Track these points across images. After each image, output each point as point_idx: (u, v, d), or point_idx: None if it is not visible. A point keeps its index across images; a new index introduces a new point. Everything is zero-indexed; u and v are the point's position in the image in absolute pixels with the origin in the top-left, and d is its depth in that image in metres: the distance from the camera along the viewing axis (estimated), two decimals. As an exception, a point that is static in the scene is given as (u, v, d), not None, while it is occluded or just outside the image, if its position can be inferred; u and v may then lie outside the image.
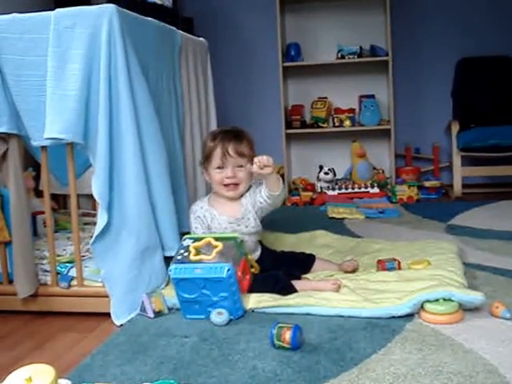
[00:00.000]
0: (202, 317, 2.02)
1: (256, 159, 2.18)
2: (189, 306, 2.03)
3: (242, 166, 2.30)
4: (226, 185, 2.31)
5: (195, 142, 2.90)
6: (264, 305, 2.06)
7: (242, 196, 2.36)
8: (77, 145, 2.14)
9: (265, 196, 2.31)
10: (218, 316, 1.95)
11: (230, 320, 1.95)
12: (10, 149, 2.19)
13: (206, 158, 2.34)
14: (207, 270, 1.98)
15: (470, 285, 2.14)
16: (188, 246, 2.08)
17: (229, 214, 2.34)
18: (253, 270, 2.24)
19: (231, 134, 2.33)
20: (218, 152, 2.28)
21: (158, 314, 2.08)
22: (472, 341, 1.73)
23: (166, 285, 2.28)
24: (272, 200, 2.32)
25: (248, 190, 2.37)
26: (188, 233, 2.32)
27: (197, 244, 2.07)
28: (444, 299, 1.92)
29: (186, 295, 2.01)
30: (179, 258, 2.06)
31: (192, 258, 2.02)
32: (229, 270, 1.96)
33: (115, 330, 2.03)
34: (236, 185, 2.31)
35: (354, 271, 2.40)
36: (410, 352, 1.68)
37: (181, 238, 2.22)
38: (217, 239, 2.07)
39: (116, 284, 2.17)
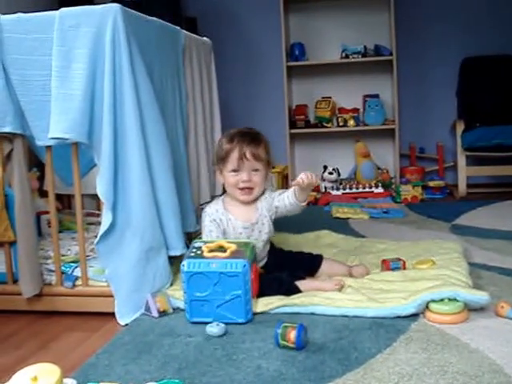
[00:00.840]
0: (210, 320, 1.96)
1: (304, 176, 2.16)
2: (196, 307, 1.99)
3: (257, 170, 2.24)
4: (240, 188, 2.25)
5: (199, 142, 2.90)
6: (271, 307, 2.06)
7: (256, 200, 2.32)
8: (81, 144, 2.14)
9: (288, 202, 2.28)
10: (215, 326, 1.89)
11: (226, 332, 1.89)
12: (14, 149, 2.19)
13: (222, 159, 2.26)
14: (223, 264, 1.96)
15: (475, 285, 2.13)
16: (200, 247, 2.06)
17: (244, 218, 2.29)
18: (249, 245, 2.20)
19: (249, 136, 2.26)
20: (234, 155, 2.22)
21: (162, 313, 2.08)
22: (477, 341, 1.73)
23: (171, 285, 2.28)
24: (293, 207, 2.30)
25: (262, 193, 2.33)
26: (194, 233, 2.31)
27: (209, 245, 2.05)
28: (449, 299, 1.91)
29: (197, 293, 1.98)
30: (192, 254, 2.03)
31: (206, 254, 2.01)
32: (245, 265, 1.96)
33: (120, 330, 2.03)
34: (251, 189, 2.25)
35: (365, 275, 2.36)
36: (415, 352, 1.68)
37: (185, 238, 2.22)
38: (229, 243, 2.07)
39: (120, 284, 2.17)
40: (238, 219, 2.28)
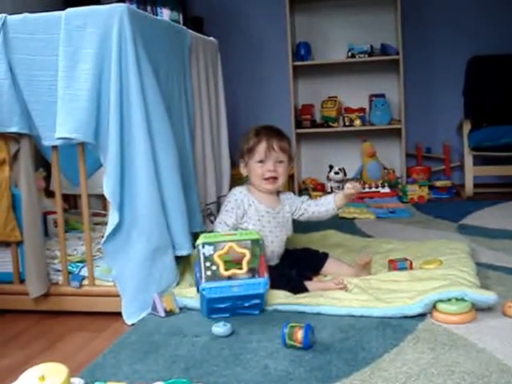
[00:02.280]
0: (227, 315, 2.03)
1: (351, 186, 2.38)
2: (215, 311, 2.03)
3: (282, 162, 2.39)
4: (266, 178, 2.37)
5: (206, 142, 2.90)
6: (276, 301, 2.07)
7: (279, 193, 2.48)
8: (88, 145, 2.14)
9: (324, 209, 2.46)
10: (222, 326, 1.89)
11: (232, 332, 1.90)
12: (21, 149, 2.20)
13: (248, 151, 2.40)
14: (244, 287, 1.98)
15: (483, 285, 2.13)
16: (211, 256, 2.01)
17: (267, 203, 2.40)
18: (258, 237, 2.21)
19: (274, 130, 2.43)
20: (262, 146, 2.36)
21: (168, 313, 2.08)
22: (485, 340, 1.72)
23: (177, 284, 2.28)
24: (326, 214, 2.48)
25: (286, 192, 2.53)
26: (200, 233, 2.30)
27: (220, 252, 2.01)
28: (456, 299, 1.91)
29: (218, 305, 2.01)
30: (209, 273, 2.00)
31: (224, 273, 1.98)
32: (265, 284, 1.99)
33: (127, 330, 2.03)
34: (275, 178, 2.38)
35: (368, 264, 2.38)
36: (422, 352, 1.67)
37: (192, 238, 2.21)
38: (237, 241, 2.05)
39: (127, 284, 2.17)
40: (262, 202, 2.39)
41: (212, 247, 2.03)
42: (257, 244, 2.07)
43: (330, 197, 2.48)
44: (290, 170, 2.44)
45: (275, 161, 2.37)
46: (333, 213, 2.48)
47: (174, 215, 2.27)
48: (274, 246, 2.37)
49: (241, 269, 1.99)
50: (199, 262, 2.03)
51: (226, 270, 1.99)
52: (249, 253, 2.01)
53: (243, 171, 2.47)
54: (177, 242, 2.30)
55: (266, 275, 2.02)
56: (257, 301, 2.00)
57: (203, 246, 2.03)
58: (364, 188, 4.47)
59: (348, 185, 2.40)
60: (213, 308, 2.01)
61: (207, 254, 2.02)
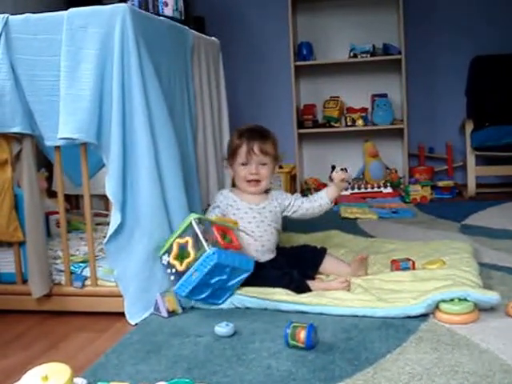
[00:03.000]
0: (228, 294, 2.11)
1: (342, 173, 2.39)
2: (212, 298, 2.08)
3: (265, 164, 2.38)
4: (248, 181, 2.38)
5: (208, 142, 2.90)
6: (278, 298, 2.08)
7: (267, 192, 2.46)
8: (90, 145, 2.14)
9: (317, 204, 2.44)
10: (224, 326, 1.89)
11: (235, 332, 1.90)
12: (23, 149, 2.20)
13: (232, 153, 2.42)
14: (200, 268, 1.98)
15: (485, 285, 2.13)
16: (169, 262, 2.08)
17: (250, 201, 2.41)
18: (232, 225, 2.26)
19: (257, 132, 2.42)
20: (243, 149, 2.37)
21: (171, 313, 2.08)
22: (488, 341, 1.72)
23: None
24: (320, 210, 2.46)
25: (274, 189, 2.51)
26: None
27: (173, 254, 2.07)
28: (459, 299, 1.90)
29: (201, 296, 2.05)
30: (172, 278, 2.08)
31: (180, 269, 2.03)
32: (214, 253, 1.97)
33: (129, 330, 2.03)
34: (258, 181, 2.39)
35: (365, 260, 2.38)
36: (425, 352, 1.67)
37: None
38: (178, 236, 2.10)
39: (129, 284, 2.17)
40: (244, 200, 2.40)
41: (166, 255, 2.11)
42: (196, 222, 2.08)
43: (322, 191, 2.48)
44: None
45: (257, 163, 2.37)
46: (327, 207, 2.47)
47: (177, 215, 2.27)
48: (264, 239, 2.37)
49: (189, 255, 2.02)
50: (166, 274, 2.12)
51: (181, 264, 2.03)
52: (191, 238, 2.03)
53: (230, 172, 2.51)
54: None
55: (215, 246, 2.02)
56: (227, 269, 2.01)
57: (162, 258, 2.13)
58: (365, 188, 4.48)
59: (334, 173, 2.41)
60: (204, 299, 2.07)
61: (166, 263, 2.10)
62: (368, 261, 2.43)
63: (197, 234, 2.05)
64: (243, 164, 2.38)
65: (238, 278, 2.09)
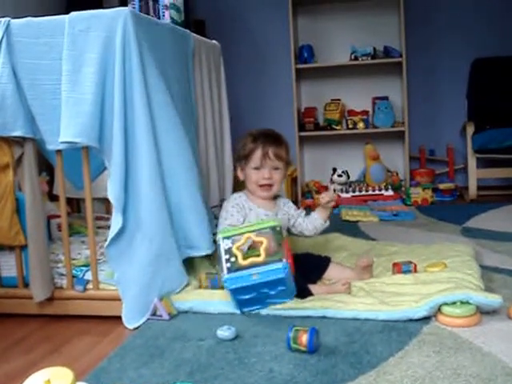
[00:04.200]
0: (258, 307, 2.06)
1: (324, 195, 2.43)
2: (244, 303, 2.05)
3: (278, 169, 2.39)
4: (261, 185, 2.38)
5: (209, 146, 2.89)
6: (280, 305, 2.07)
7: (276, 198, 2.47)
8: (92, 148, 2.14)
9: (312, 227, 2.47)
10: (226, 330, 1.89)
11: (237, 336, 1.89)
12: (25, 153, 2.20)
13: (245, 157, 2.40)
14: (264, 274, 1.96)
15: (487, 288, 2.12)
16: (230, 249, 2.02)
17: (265, 207, 2.41)
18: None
19: (271, 137, 2.41)
20: (257, 153, 2.36)
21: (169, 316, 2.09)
22: (490, 344, 1.72)
23: (186, 285, 2.29)
24: (317, 230, 2.50)
25: (281, 197, 2.52)
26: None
27: (238, 244, 2.02)
28: (461, 302, 1.90)
29: (244, 297, 2.01)
30: (228, 265, 2.00)
31: (242, 262, 1.98)
32: (285, 268, 1.96)
33: (131, 334, 2.03)
34: (270, 186, 2.39)
35: (369, 266, 2.37)
36: (427, 355, 1.67)
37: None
38: (254, 231, 2.05)
39: (128, 288, 2.16)
40: (260, 207, 2.41)
41: (230, 240, 2.05)
42: (275, 230, 2.07)
43: (313, 213, 2.50)
44: (287, 174, 2.44)
45: (271, 168, 2.37)
46: (322, 227, 2.49)
47: (179, 219, 2.28)
48: None
49: (259, 256, 1.98)
50: (220, 257, 2.04)
51: (245, 259, 1.98)
52: (267, 240, 2.00)
53: (240, 175, 2.48)
54: (193, 243, 2.33)
55: (288, 259, 2.00)
56: (282, 287, 1.98)
57: (222, 241, 2.06)
58: (366, 190, 4.48)
59: (322, 195, 2.44)
60: (240, 300, 2.02)
61: (226, 248, 2.04)
62: (373, 266, 2.41)
63: (271, 239, 2.02)
64: (256, 168, 2.37)
65: (279, 300, 2.06)
